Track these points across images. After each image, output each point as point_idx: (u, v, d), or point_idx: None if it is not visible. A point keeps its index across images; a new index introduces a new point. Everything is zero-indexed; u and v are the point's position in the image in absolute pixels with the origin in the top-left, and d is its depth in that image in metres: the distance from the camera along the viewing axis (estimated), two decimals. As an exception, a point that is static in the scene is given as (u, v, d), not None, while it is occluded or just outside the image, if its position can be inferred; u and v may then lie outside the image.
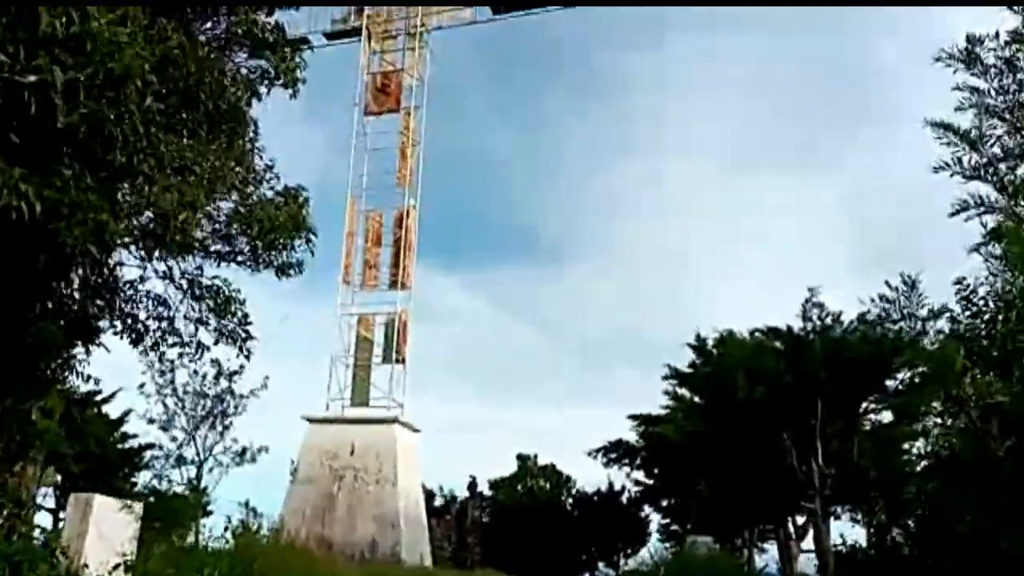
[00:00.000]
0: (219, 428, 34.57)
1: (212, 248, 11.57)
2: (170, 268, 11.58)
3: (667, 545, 35.30)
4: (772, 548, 33.25)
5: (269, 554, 15.34)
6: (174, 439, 33.00)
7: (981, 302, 9.85)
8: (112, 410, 34.36)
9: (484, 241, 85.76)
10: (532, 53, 67.70)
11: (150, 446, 34.41)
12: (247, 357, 11.95)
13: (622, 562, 40.71)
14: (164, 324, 11.95)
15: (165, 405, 33.31)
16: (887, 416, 26.57)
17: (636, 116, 79.31)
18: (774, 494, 27.15)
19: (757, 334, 27.45)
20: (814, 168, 79.00)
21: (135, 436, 34.23)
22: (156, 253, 10.62)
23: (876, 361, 23.89)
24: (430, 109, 32.64)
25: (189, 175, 9.60)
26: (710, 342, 28.78)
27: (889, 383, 25.03)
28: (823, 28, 69.38)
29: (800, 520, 28.95)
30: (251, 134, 11.46)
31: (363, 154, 32.33)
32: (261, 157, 11.73)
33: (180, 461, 34.85)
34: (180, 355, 11.97)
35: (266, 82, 10.64)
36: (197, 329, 11.82)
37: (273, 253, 11.56)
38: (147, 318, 11.99)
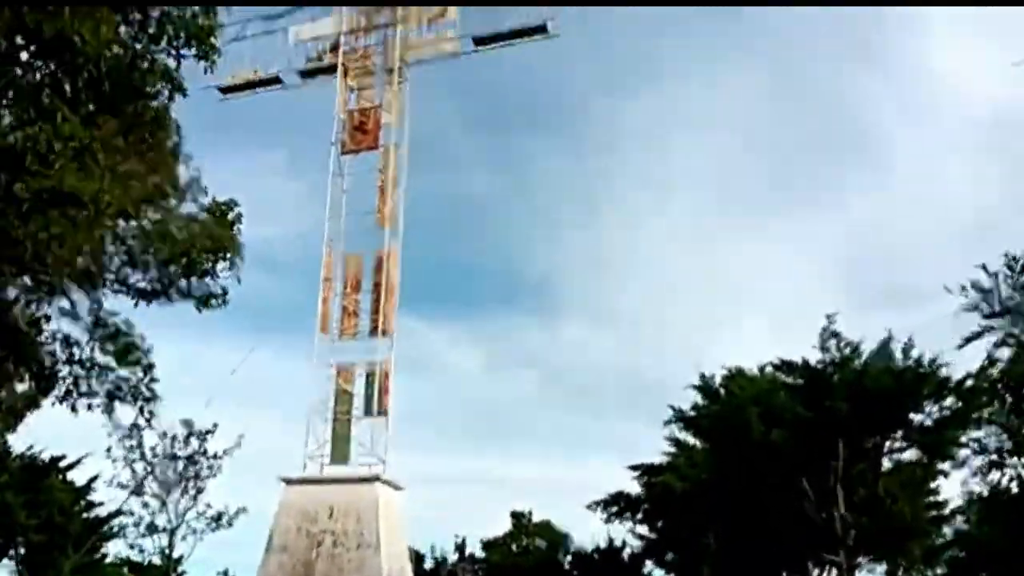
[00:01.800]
0: (192, 492, 32.53)
1: (118, 277, 9.48)
2: (73, 303, 9.55)
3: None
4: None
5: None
6: (145, 505, 30.96)
7: None
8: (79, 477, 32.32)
9: (470, 288, 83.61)
10: (517, 94, 66.26)
11: (119, 513, 32.35)
12: (148, 421, 9.79)
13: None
14: (77, 369, 9.90)
15: (133, 470, 31.36)
16: (910, 455, 24.60)
17: (631, 150, 77.89)
18: (791, 545, 24.98)
19: (769, 369, 25.47)
20: (810, 207, 77.81)
21: (101, 504, 32.23)
22: (50, 282, 8.66)
23: (900, 393, 22.02)
24: (411, 151, 30.84)
25: (89, 170, 7.65)
26: (717, 380, 26.73)
27: (915, 416, 23.10)
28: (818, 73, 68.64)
29: (816, 573, 26.66)
30: (175, 137, 9.51)
31: (340, 195, 30.63)
32: (187, 166, 9.79)
33: (151, 529, 32.74)
34: (89, 407, 9.84)
35: (173, 48, 8.43)
36: (103, 376, 9.72)
37: (193, 281, 9.47)
38: (55, 363, 9.94)
